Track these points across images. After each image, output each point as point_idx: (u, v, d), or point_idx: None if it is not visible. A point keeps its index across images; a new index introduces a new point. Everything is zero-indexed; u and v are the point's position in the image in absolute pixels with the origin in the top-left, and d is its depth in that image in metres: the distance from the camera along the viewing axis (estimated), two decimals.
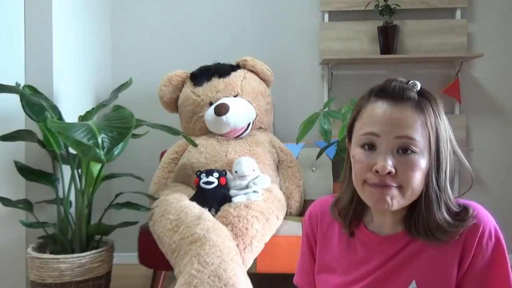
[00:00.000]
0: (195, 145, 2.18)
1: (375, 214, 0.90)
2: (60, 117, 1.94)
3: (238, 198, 1.96)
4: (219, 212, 1.91)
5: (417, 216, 0.82)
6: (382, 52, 2.68)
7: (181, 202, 1.90)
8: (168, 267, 1.81)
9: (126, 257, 2.65)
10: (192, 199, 1.97)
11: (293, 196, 2.23)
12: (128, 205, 2.04)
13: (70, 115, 2.11)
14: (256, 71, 2.44)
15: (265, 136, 2.40)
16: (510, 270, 0.81)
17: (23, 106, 1.79)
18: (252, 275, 1.77)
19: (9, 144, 2.02)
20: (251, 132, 2.35)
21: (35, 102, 1.84)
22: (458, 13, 2.76)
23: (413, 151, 0.79)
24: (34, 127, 2.03)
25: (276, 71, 2.58)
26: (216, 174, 2.02)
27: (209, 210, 1.92)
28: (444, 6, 2.75)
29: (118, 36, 2.90)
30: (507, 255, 0.82)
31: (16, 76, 2.09)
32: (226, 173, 2.08)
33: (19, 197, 2.05)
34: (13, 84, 1.94)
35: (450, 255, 0.81)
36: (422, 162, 0.79)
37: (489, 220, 0.84)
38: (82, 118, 2.03)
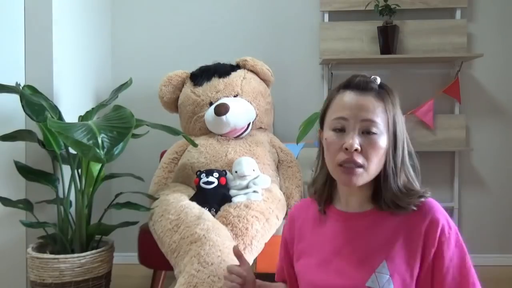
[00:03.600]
0: (195, 145, 2.18)
1: (342, 194, 1.03)
2: (60, 117, 1.94)
3: (238, 198, 1.96)
4: (219, 212, 1.91)
5: (381, 189, 0.96)
6: (382, 52, 2.68)
7: (181, 202, 1.90)
8: (168, 267, 1.81)
9: (126, 257, 2.65)
10: (192, 199, 1.97)
11: (293, 196, 2.23)
12: (128, 205, 2.03)
13: (70, 115, 2.11)
14: (256, 71, 2.44)
15: (265, 136, 2.40)
16: (467, 251, 0.94)
17: (23, 106, 1.79)
18: None
19: (9, 144, 2.02)
20: (251, 132, 2.35)
21: (35, 102, 1.84)
22: (458, 13, 2.76)
23: (374, 132, 0.94)
24: (34, 127, 2.03)
25: (276, 71, 2.58)
26: (216, 174, 2.02)
27: (209, 210, 1.92)
28: (444, 6, 2.75)
29: (118, 36, 2.90)
30: (462, 241, 0.95)
31: (16, 76, 2.09)
32: (226, 173, 2.08)
33: (19, 197, 2.05)
34: (13, 84, 1.94)
35: (414, 244, 0.92)
36: (382, 142, 0.94)
37: (445, 215, 0.95)
38: (82, 118, 2.03)
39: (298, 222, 1.10)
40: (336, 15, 2.81)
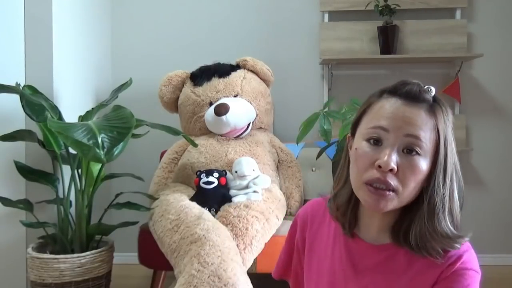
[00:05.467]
0: (195, 145, 2.18)
1: (363, 216, 0.88)
2: (60, 117, 1.94)
3: (238, 198, 1.96)
4: (219, 212, 1.91)
5: (412, 225, 0.80)
6: (382, 52, 2.68)
7: (181, 202, 1.90)
8: (168, 267, 1.81)
9: (126, 257, 2.65)
10: (192, 199, 1.97)
11: (293, 196, 2.23)
12: (128, 205, 2.04)
13: (70, 115, 2.10)
14: (256, 71, 2.44)
15: (265, 136, 2.40)
16: None
17: (23, 106, 1.79)
18: (252, 275, 1.77)
19: (9, 144, 2.02)
20: (251, 132, 2.35)
21: (35, 102, 1.84)
22: (458, 13, 2.76)
23: (417, 153, 0.78)
24: (34, 127, 2.03)
25: (276, 71, 2.58)
26: (216, 174, 2.02)
27: (209, 210, 1.92)
28: (444, 6, 2.75)
29: (118, 36, 2.90)
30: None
31: (16, 76, 2.09)
32: (226, 173, 2.08)
33: (19, 197, 2.05)
34: (13, 84, 1.94)
35: (428, 279, 0.80)
36: (424, 165, 0.78)
37: (472, 265, 0.80)
38: (82, 118, 2.03)
39: (313, 227, 0.97)
40: (336, 15, 2.81)
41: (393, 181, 0.78)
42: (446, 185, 0.79)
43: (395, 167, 0.77)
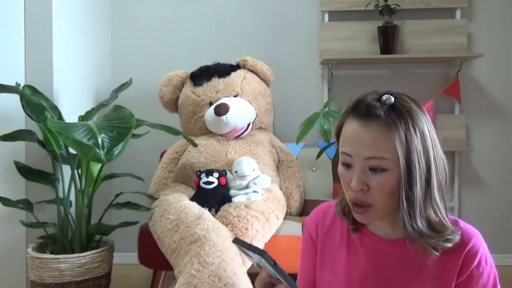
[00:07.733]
0: (195, 145, 2.18)
1: None
2: (60, 117, 1.94)
3: (238, 198, 1.96)
4: (219, 212, 1.91)
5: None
6: (382, 52, 2.68)
7: (181, 202, 1.90)
8: (168, 267, 1.81)
9: (126, 257, 2.65)
10: (192, 199, 1.97)
11: (293, 196, 2.23)
12: (128, 205, 2.03)
13: (70, 115, 2.11)
14: (256, 71, 2.44)
15: (265, 136, 2.40)
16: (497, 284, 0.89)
17: (23, 106, 1.79)
18: (252, 275, 1.77)
19: (9, 144, 2.02)
20: (251, 132, 2.35)
21: (35, 102, 1.84)
22: (458, 13, 2.76)
23: (382, 170, 0.82)
24: (34, 127, 2.03)
25: (276, 71, 2.58)
26: (216, 174, 2.02)
27: (209, 210, 1.92)
28: (444, 6, 2.75)
29: (118, 36, 2.90)
30: (496, 274, 0.89)
31: (16, 76, 2.09)
32: (226, 173, 2.08)
33: (19, 197, 2.05)
34: (13, 84, 1.94)
35: (449, 279, 0.86)
36: (393, 178, 0.82)
37: (485, 247, 0.88)
38: (82, 118, 2.03)
39: (324, 227, 1.01)
40: (336, 15, 2.81)
41: (366, 198, 0.84)
42: (413, 191, 0.82)
43: (365, 187, 0.83)
